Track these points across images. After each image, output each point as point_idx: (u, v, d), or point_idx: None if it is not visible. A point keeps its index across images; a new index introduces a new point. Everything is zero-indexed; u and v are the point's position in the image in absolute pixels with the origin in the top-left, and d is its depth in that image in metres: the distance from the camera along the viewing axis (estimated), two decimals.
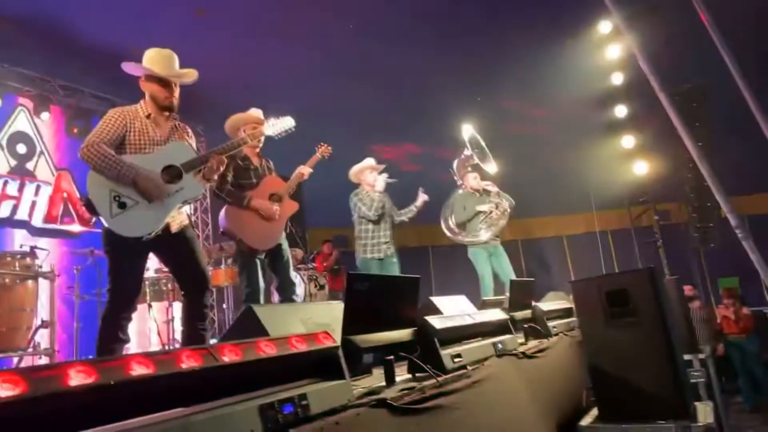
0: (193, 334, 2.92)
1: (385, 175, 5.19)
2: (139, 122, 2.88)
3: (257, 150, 4.01)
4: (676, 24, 6.85)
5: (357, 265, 5.12)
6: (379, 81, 7.91)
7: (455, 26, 7.41)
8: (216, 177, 3.08)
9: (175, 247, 2.92)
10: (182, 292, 3.04)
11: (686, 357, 3.48)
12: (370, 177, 5.21)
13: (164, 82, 2.93)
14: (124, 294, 2.82)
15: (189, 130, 3.12)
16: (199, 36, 6.59)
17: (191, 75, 3.03)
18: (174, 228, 2.91)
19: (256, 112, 4.04)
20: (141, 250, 2.83)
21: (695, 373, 3.54)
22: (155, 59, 2.93)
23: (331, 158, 4.34)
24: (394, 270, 5.10)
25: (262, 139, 3.79)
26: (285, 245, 3.99)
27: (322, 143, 4.36)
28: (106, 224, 2.68)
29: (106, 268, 2.83)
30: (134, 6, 6.19)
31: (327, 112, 7.23)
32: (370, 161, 5.31)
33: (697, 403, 2.58)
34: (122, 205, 2.68)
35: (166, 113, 3.00)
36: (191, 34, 6.48)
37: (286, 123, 3.40)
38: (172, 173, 2.82)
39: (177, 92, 2.99)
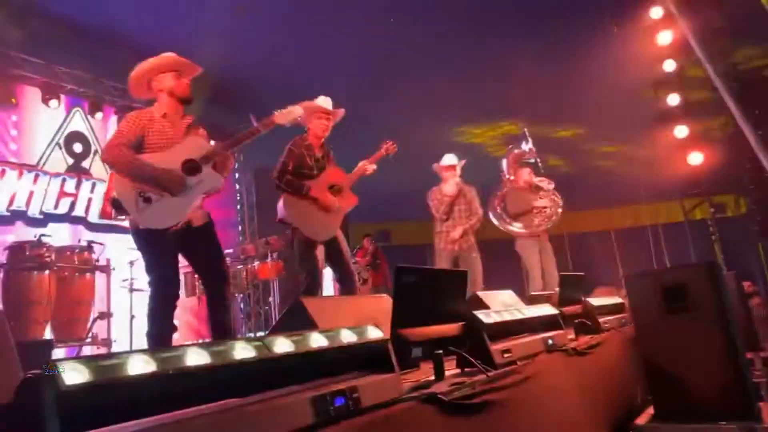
0: (219, 326, 3.03)
1: (456, 179, 5.34)
2: (156, 123, 3.02)
3: (321, 140, 3.98)
4: (732, 6, 6.53)
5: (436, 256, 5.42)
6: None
7: (496, 16, 7.27)
8: (229, 169, 3.22)
9: (197, 242, 3.06)
10: (204, 287, 3.20)
11: (747, 356, 3.32)
12: (447, 175, 5.41)
13: (178, 75, 3.09)
14: (165, 285, 2.95)
15: (202, 130, 3.25)
16: (246, 34, 6.69)
17: (198, 67, 3.18)
18: (196, 223, 3.04)
19: (324, 102, 4.00)
20: (168, 244, 2.95)
21: (757, 373, 3.39)
22: (163, 59, 3.10)
23: (396, 156, 4.32)
24: (471, 265, 5.13)
25: (329, 128, 3.91)
26: (342, 237, 3.97)
27: (388, 140, 4.34)
28: (134, 219, 2.87)
29: (144, 267, 3.01)
30: (180, 6, 6.34)
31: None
32: (449, 159, 5.43)
33: (761, 404, 2.45)
34: (148, 200, 2.85)
35: (181, 112, 3.14)
36: (238, 33, 6.60)
37: (296, 111, 3.41)
38: (191, 167, 2.97)
39: (189, 85, 3.13)
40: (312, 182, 3.83)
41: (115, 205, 2.90)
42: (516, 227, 5.70)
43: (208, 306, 3.10)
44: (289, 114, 3.34)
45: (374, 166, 4.16)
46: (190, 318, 7.33)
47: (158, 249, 2.93)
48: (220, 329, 3.02)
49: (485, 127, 9.13)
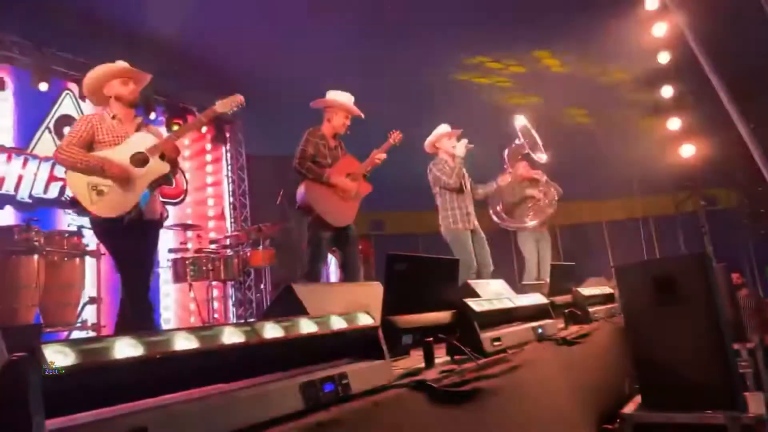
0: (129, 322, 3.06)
1: (465, 141, 4.76)
2: (106, 123, 3.25)
3: (334, 132, 4.13)
4: (725, 0, 6.52)
5: (447, 239, 4.78)
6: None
7: (494, 5, 7.23)
8: (177, 159, 3.34)
9: (143, 236, 3.21)
10: (122, 281, 3.17)
11: (734, 347, 3.35)
12: (448, 144, 4.83)
13: (125, 81, 3.31)
14: (131, 267, 3.12)
15: (153, 127, 3.52)
16: (237, 20, 6.62)
17: (147, 76, 3.42)
18: (147, 216, 3.21)
19: (349, 101, 4.16)
20: (124, 232, 3.09)
21: (743, 363, 3.43)
22: (111, 67, 3.34)
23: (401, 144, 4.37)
24: (486, 247, 4.78)
25: (347, 122, 4.09)
26: (353, 227, 4.09)
27: (394, 130, 4.39)
28: (90, 211, 3.06)
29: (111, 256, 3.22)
30: None
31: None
32: (445, 127, 4.95)
33: (747, 394, 2.48)
34: (100, 192, 3.07)
35: (131, 114, 3.36)
36: (229, 19, 6.52)
37: (236, 99, 3.54)
38: (139, 158, 3.18)
39: (137, 91, 3.37)
40: (330, 170, 3.97)
41: (72, 203, 3.08)
42: (512, 226, 5.75)
43: (120, 309, 3.14)
44: (230, 103, 3.51)
45: (384, 155, 4.25)
46: (180, 303, 7.31)
47: (115, 237, 3.14)
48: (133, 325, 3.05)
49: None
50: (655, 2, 7.70)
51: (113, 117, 3.29)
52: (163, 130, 6.09)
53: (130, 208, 3.11)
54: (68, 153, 3.07)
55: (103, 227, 3.13)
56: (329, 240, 3.96)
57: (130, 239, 3.11)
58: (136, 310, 3.07)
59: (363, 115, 4.20)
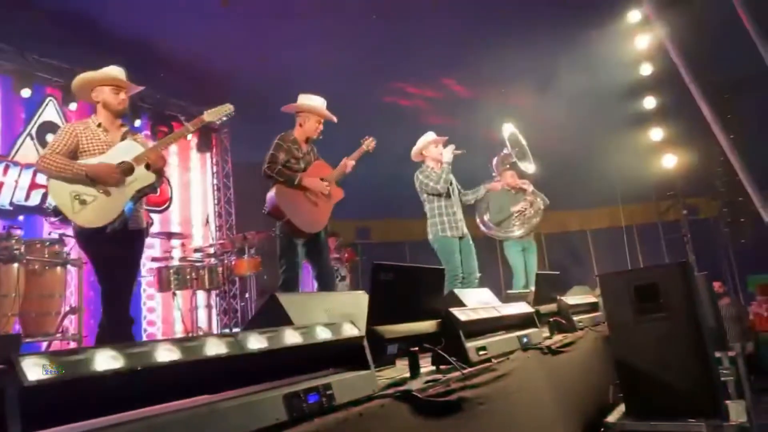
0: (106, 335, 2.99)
1: (451, 147, 4.80)
2: (90, 131, 3.18)
3: (306, 137, 4.08)
4: (708, 13, 6.66)
5: (434, 247, 4.78)
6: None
7: (480, 15, 7.30)
8: (161, 168, 3.25)
9: (128, 246, 3.15)
10: (102, 292, 3.10)
11: (716, 355, 3.39)
12: (435, 151, 4.86)
13: (116, 90, 3.27)
14: (110, 280, 3.05)
15: (139, 136, 3.46)
16: (221, 27, 6.61)
17: (139, 88, 3.39)
18: (131, 226, 3.16)
19: (322, 105, 4.10)
20: (107, 243, 3.03)
21: (725, 371, 3.46)
22: (104, 73, 3.29)
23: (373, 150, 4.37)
24: (473, 254, 4.78)
25: (320, 127, 4.05)
26: (323, 234, 4.01)
27: (367, 136, 4.39)
28: (72, 220, 2.98)
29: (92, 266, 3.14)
30: None
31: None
32: (431, 135, 4.98)
33: (728, 402, 2.51)
34: (83, 202, 2.99)
35: (117, 123, 3.30)
36: (214, 25, 6.51)
37: (224, 109, 3.53)
38: (125, 168, 3.11)
39: (126, 101, 3.33)
40: (302, 174, 3.91)
41: (54, 212, 3.01)
42: (499, 235, 5.83)
43: (101, 320, 3.05)
44: (219, 112, 3.50)
45: (353, 163, 4.19)
46: (164, 312, 7.23)
47: (98, 247, 3.06)
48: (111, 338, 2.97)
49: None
50: (637, 15, 7.85)
51: (98, 125, 3.23)
52: (148, 138, 6.05)
53: (114, 217, 3.04)
54: (51, 162, 3.00)
55: (86, 236, 3.06)
56: (302, 247, 3.90)
57: (113, 249, 3.05)
58: (115, 322, 3.00)
59: (336, 119, 4.15)
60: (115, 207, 3.06)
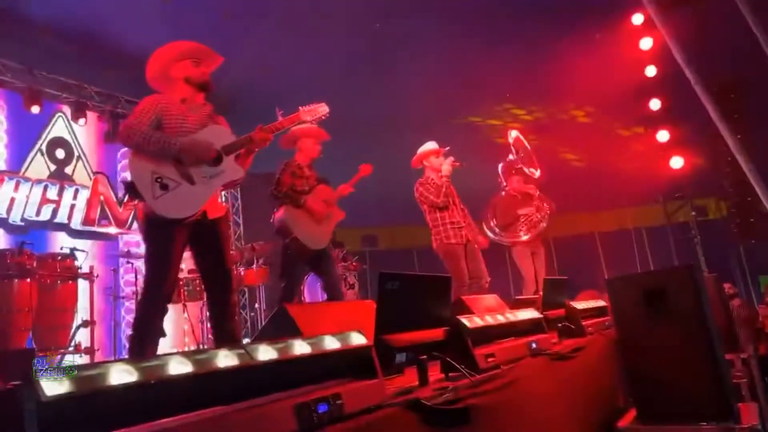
0: (224, 335, 2.84)
1: (450, 159, 4.86)
2: (174, 107, 2.82)
3: (308, 160, 4.32)
4: (712, 14, 6.65)
5: (439, 254, 4.83)
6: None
7: (482, 21, 7.33)
8: (250, 161, 3.02)
9: (209, 239, 2.85)
10: (205, 291, 2.96)
11: (728, 357, 3.37)
12: (435, 161, 4.92)
13: (195, 61, 2.93)
14: (161, 283, 2.73)
15: (222, 119, 3.07)
16: (230, 39, 6.67)
17: (219, 57, 3.03)
18: (211, 215, 2.83)
19: (307, 125, 4.02)
20: (180, 236, 2.74)
21: (737, 374, 3.43)
22: (179, 45, 2.94)
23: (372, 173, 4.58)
24: (479, 258, 4.82)
25: (319, 147, 4.28)
26: (328, 248, 4.29)
27: (365, 163, 4.59)
28: (149, 205, 2.64)
29: (145, 257, 2.80)
30: (165, 12, 6.31)
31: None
32: (432, 144, 5.02)
33: (740, 405, 2.49)
34: (164, 187, 2.63)
35: (202, 99, 2.97)
36: (223, 38, 6.57)
37: (320, 110, 3.38)
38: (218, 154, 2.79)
39: (207, 75, 2.97)
40: (307, 196, 4.19)
41: (128, 189, 2.70)
42: (506, 240, 5.85)
43: (210, 313, 2.94)
44: (314, 111, 3.29)
45: (352, 189, 4.47)
46: (175, 324, 7.26)
47: (168, 241, 2.70)
48: (226, 338, 2.81)
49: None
50: (641, 17, 7.85)
51: (182, 101, 2.85)
52: None
53: (196, 210, 2.69)
54: (137, 132, 2.60)
55: (158, 227, 2.68)
56: (306, 265, 4.19)
57: (181, 247, 2.74)
58: (143, 334, 2.73)
59: (329, 137, 4.36)
60: (198, 199, 2.72)
